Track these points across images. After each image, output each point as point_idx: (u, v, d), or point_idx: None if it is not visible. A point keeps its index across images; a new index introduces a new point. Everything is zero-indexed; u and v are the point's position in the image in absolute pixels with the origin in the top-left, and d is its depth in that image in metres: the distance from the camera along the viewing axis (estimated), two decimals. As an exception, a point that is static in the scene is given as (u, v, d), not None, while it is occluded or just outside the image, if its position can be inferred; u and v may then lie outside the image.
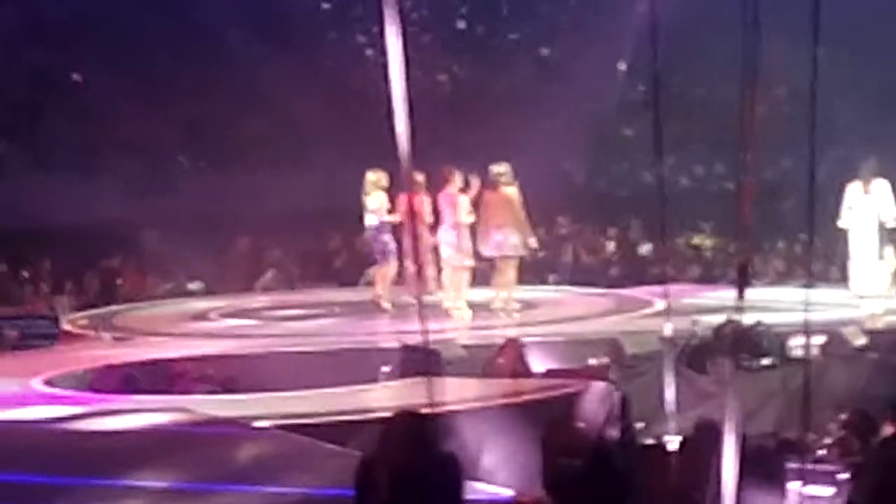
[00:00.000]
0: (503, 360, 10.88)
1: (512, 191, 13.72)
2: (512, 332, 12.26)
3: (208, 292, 17.20)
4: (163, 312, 15.45)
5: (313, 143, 18.78)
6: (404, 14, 4.78)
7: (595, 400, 5.72)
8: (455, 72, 20.85)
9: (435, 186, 13.81)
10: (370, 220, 14.07)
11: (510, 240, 13.74)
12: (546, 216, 18.87)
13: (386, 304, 14.10)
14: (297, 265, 18.36)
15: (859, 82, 17.89)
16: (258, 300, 16.33)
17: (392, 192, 13.96)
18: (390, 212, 13.96)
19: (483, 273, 14.45)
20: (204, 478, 7.29)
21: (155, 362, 11.47)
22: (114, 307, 15.54)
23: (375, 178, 13.97)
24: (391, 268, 14.16)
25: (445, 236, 13.79)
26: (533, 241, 14.03)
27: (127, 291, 17.02)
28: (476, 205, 13.86)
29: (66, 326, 14.08)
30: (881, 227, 13.04)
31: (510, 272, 13.96)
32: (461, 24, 21.00)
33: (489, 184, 13.76)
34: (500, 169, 13.76)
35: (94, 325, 13.95)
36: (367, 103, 15.95)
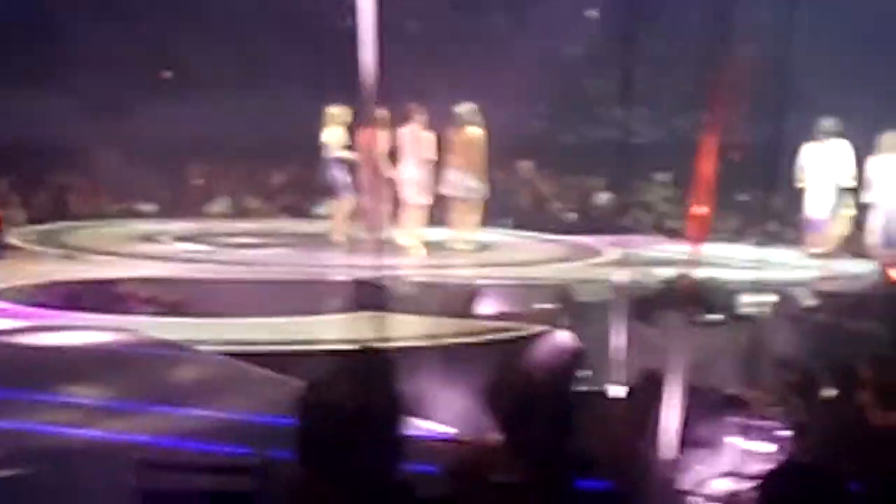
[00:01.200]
0: (453, 299, 10.85)
1: (477, 132, 13.62)
2: (465, 273, 12.23)
3: (161, 215, 17.05)
4: (113, 232, 15.30)
5: (277, 74, 18.57)
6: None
7: (551, 345, 5.69)
8: (423, 12, 20.62)
9: (398, 123, 13.70)
10: (329, 154, 13.95)
11: (464, 182, 13.66)
12: (507, 160, 18.82)
13: (340, 238, 14.02)
14: (251, 193, 18.21)
15: (831, 50, 17.87)
16: (210, 226, 16.18)
17: (354, 127, 13.83)
18: (350, 147, 13.85)
19: (439, 212, 14.38)
20: (141, 397, 7.23)
21: (101, 281, 11.35)
22: (64, 224, 15.35)
23: (337, 112, 13.85)
24: (348, 202, 14.06)
25: (407, 173, 13.70)
26: (483, 187, 13.88)
27: (78, 209, 16.83)
28: (440, 143, 13.77)
29: (14, 240, 13.90)
30: (837, 187, 13.05)
31: (465, 213, 13.89)
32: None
33: (454, 124, 13.66)
34: (466, 109, 13.64)
35: (42, 241, 13.77)
36: (334, 37, 15.76)
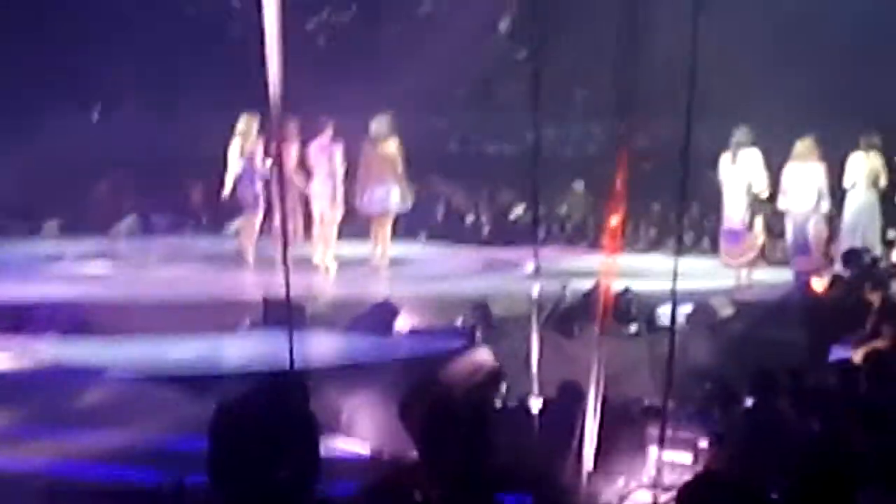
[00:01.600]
0: (368, 316, 10.70)
1: (393, 146, 13.49)
2: (380, 289, 12.09)
3: (65, 235, 16.69)
4: (14, 252, 14.92)
5: (181, 87, 18.33)
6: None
7: (469, 364, 5.62)
8: (332, 22, 20.51)
9: (308, 136, 13.54)
10: (238, 168, 13.71)
11: (392, 196, 13.53)
12: (419, 173, 18.72)
13: (250, 256, 13.78)
14: (158, 211, 17.90)
15: (745, 55, 18.08)
16: (116, 245, 15.85)
17: (263, 139, 13.62)
18: (256, 160, 13.62)
19: (358, 228, 14.22)
20: (46, 423, 7.02)
21: (2, 304, 11.02)
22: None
23: (246, 125, 13.61)
24: (258, 218, 13.83)
25: (318, 188, 13.51)
26: (404, 200, 13.79)
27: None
28: (354, 157, 13.61)
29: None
30: (752, 197, 13.14)
31: (387, 228, 13.76)
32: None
33: (369, 138, 13.52)
34: (381, 122, 13.51)
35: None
36: (241, 51, 15.56)
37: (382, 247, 13.81)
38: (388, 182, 13.47)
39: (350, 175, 13.72)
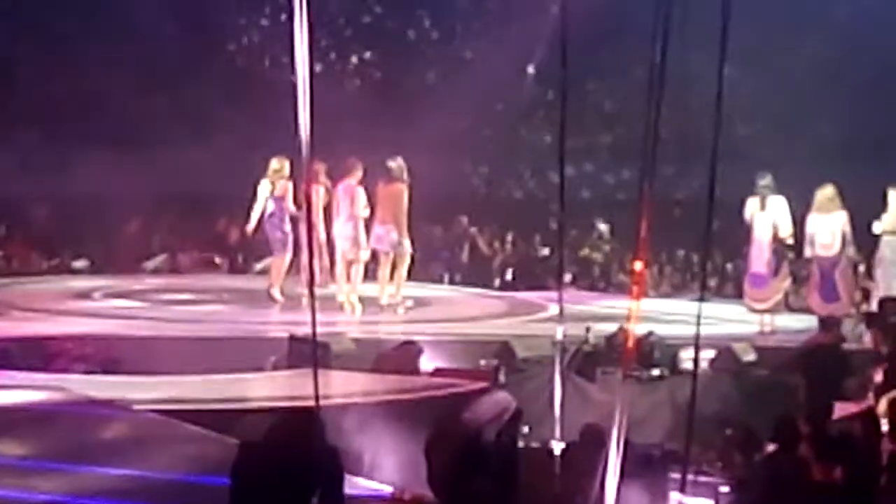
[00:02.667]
0: (392, 356, 10.75)
1: (400, 187, 13.58)
2: (403, 329, 12.15)
3: (94, 271, 16.84)
4: (45, 289, 15.07)
5: (213, 126, 18.49)
6: (312, 4, 4.68)
7: (488, 403, 5.65)
8: (364, 66, 20.70)
9: (337, 177, 13.66)
10: (269, 208, 13.84)
11: (390, 235, 13.61)
12: (445, 215, 18.83)
13: (279, 295, 13.88)
14: (187, 249, 18.04)
15: (766, 103, 18.15)
16: (145, 282, 15.99)
17: (293, 181, 13.75)
18: (286, 201, 13.76)
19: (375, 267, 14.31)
20: (74, 457, 7.07)
21: (33, 339, 11.13)
22: (-5, 280, 15.11)
23: (278, 166, 13.76)
24: (287, 257, 13.94)
25: (342, 228, 13.62)
26: (407, 242, 13.82)
27: (10, 265, 16.58)
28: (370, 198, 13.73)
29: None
30: (778, 243, 13.15)
31: (388, 268, 13.82)
32: (369, 19, 20.85)
33: (381, 178, 13.64)
34: (392, 164, 13.63)
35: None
36: (271, 91, 15.74)
37: (390, 286, 13.83)
38: (389, 222, 13.58)
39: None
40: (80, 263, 17.14)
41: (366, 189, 13.67)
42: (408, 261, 13.82)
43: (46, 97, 18.99)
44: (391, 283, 13.81)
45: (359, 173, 13.65)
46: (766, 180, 13.15)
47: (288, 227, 13.79)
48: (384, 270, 13.78)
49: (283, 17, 17.59)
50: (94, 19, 18.31)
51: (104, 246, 17.60)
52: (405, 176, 13.56)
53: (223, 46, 19.75)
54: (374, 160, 13.93)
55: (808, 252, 13.15)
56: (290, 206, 13.76)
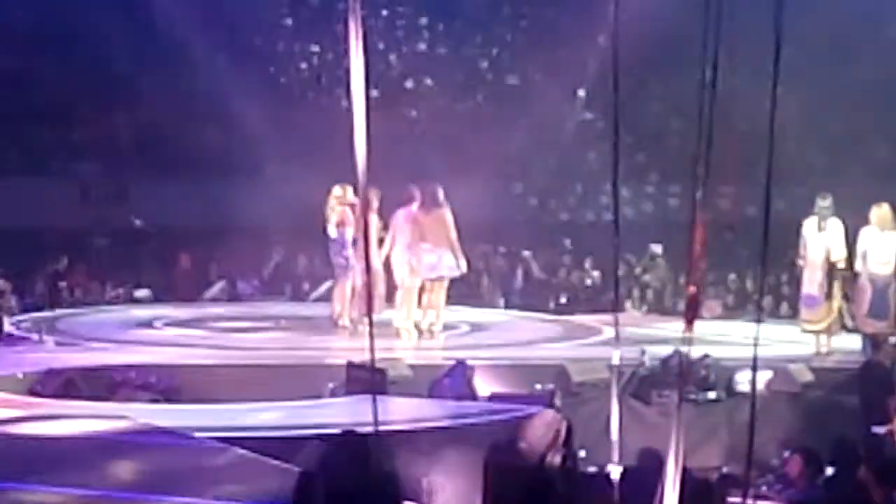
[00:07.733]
0: (449, 381, 10.82)
1: (444, 212, 13.62)
2: (459, 354, 12.22)
3: (155, 301, 17.07)
4: (108, 319, 15.30)
5: (270, 156, 18.70)
6: (367, 32, 4.77)
7: (540, 426, 5.69)
8: (418, 92, 20.85)
9: (391, 205, 13.76)
10: (332, 234, 13.96)
11: (444, 260, 13.65)
12: (499, 239, 18.90)
13: (344, 322, 13.97)
14: (247, 278, 18.24)
15: (823, 123, 18.09)
16: (205, 311, 16.19)
17: (353, 208, 13.86)
18: (347, 227, 13.85)
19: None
20: (139, 487, 7.18)
21: (97, 369, 11.31)
22: (59, 311, 15.34)
23: (340, 193, 13.86)
24: (349, 283, 14.03)
25: (401, 255, 13.68)
26: (464, 263, 13.88)
27: (73, 296, 16.86)
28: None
29: (9, 329, 13.89)
30: (831, 265, 13.07)
31: (441, 293, 13.86)
32: (423, 46, 21.01)
33: (424, 204, 13.68)
34: (432, 190, 13.68)
35: (37, 329, 13.75)
36: (326, 119, 15.92)
37: (436, 312, 13.87)
38: (441, 246, 13.59)
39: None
40: (141, 293, 17.37)
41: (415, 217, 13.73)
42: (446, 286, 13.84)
43: (106, 131, 19.34)
44: (431, 308, 13.82)
45: (415, 201, 13.74)
46: (826, 201, 13.06)
47: (349, 252, 13.90)
48: (437, 296, 13.82)
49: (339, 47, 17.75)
50: (149, 52, 18.61)
51: (163, 276, 17.83)
52: (445, 200, 13.64)
53: (277, 76, 19.96)
54: (421, 187, 14.00)
55: (858, 266, 13.07)
56: (351, 231, 13.85)
